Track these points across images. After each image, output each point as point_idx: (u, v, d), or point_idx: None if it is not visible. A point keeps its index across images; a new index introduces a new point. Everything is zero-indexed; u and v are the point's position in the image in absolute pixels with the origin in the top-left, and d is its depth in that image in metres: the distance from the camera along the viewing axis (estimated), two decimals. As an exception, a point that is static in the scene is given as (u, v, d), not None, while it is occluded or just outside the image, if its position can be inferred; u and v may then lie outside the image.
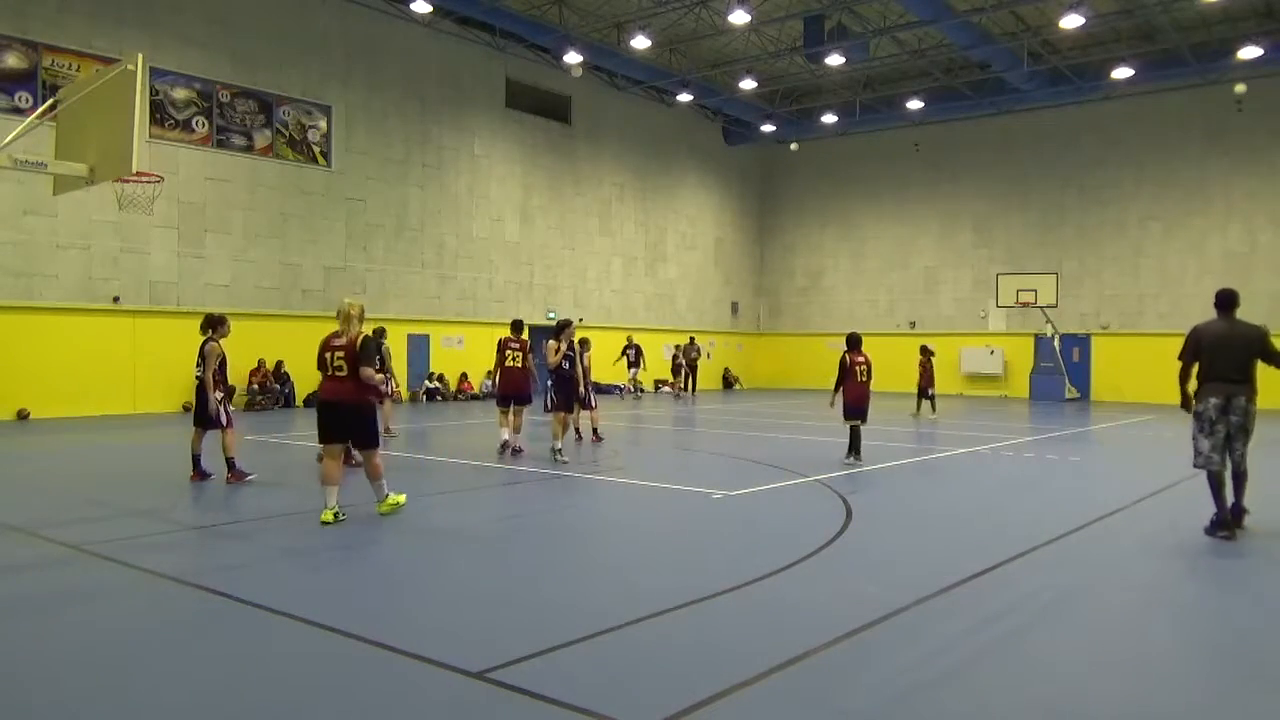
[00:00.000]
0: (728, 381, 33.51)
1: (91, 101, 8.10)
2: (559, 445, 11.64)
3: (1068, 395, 27.09)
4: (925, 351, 20.69)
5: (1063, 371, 27.40)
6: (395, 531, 7.55)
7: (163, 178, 11.39)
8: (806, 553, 6.63)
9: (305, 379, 19.79)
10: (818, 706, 3.91)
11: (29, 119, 8.79)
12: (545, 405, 12.07)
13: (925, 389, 20.32)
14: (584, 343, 14.63)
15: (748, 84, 26.50)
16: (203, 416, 9.71)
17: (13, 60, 17.20)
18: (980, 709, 3.92)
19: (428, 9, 22.23)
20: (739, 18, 21.74)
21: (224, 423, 9.62)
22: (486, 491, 9.91)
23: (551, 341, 12.04)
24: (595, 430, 14.37)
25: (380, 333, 12.67)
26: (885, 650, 4.62)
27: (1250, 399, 7.34)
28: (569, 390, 11.93)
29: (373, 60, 22.92)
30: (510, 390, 12.64)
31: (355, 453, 11.08)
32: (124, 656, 4.51)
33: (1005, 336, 29.35)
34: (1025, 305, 27.26)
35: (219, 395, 9.60)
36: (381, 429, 14.52)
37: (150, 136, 18.39)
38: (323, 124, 21.98)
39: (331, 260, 22.11)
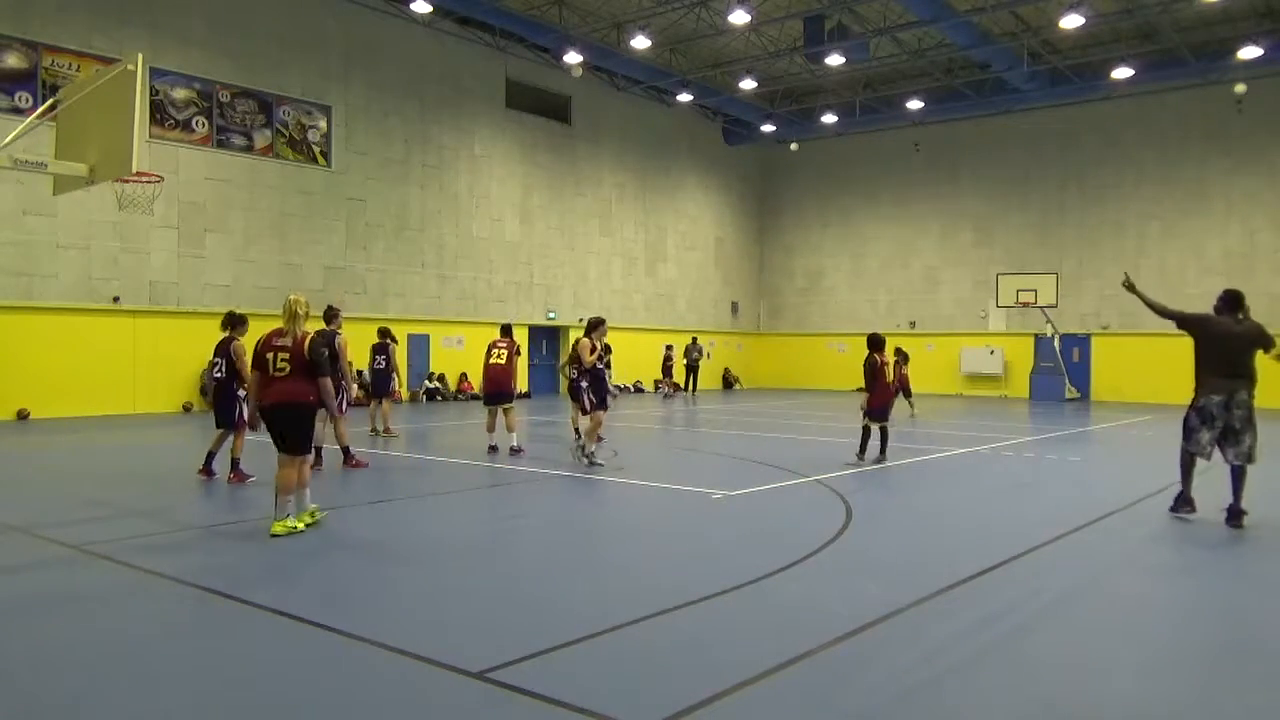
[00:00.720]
0: (728, 381, 33.51)
1: (91, 101, 8.10)
2: (594, 449, 11.16)
3: (1068, 395, 27.09)
4: (901, 354, 20.63)
5: (1063, 371, 27.40)
6: (395, 532, 7.56)
7: (163, 178, 11.38)
8: (806, 553, 6.63)
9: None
10: (818, 706, 3.91)
11: (29, 119, 8.80)
12: (584, 406, 11.34)
13: (906, 391, 20.32)
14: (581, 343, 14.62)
15: (748, 84, 26.50)
16: (227, 418, 9.61)
17: (13, 60, 17.20)
18: (981, 709, 3.92)
19: (428, 9, 22.23)
20: (739, 18, 21.74)
21: (240, 423, 9.48)
22: (486, 491, 9.91)
23: (585, 340, 11.49)
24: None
25: (325, 332, 10.87)
26: (885, 650, 4.62)
27: (1250, 392, 7.61)
28: (603, 389, 11.44)
29: (373, 60, 22.93)
30: (491, 387, 12.62)
31: (354, 455, 11.12)
32: (124, 657, 4.51)
33: (1005, 336, 29.37)
34: (1025, 305, 27.27)
35: (242, 394, 9.39)
36: (382, 429, 14.69)
37: (150, 136, 18.39)
38: (323, 124, 21.98)
39: (331, 260, 22.11)
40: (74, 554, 6.45)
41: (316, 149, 21.88)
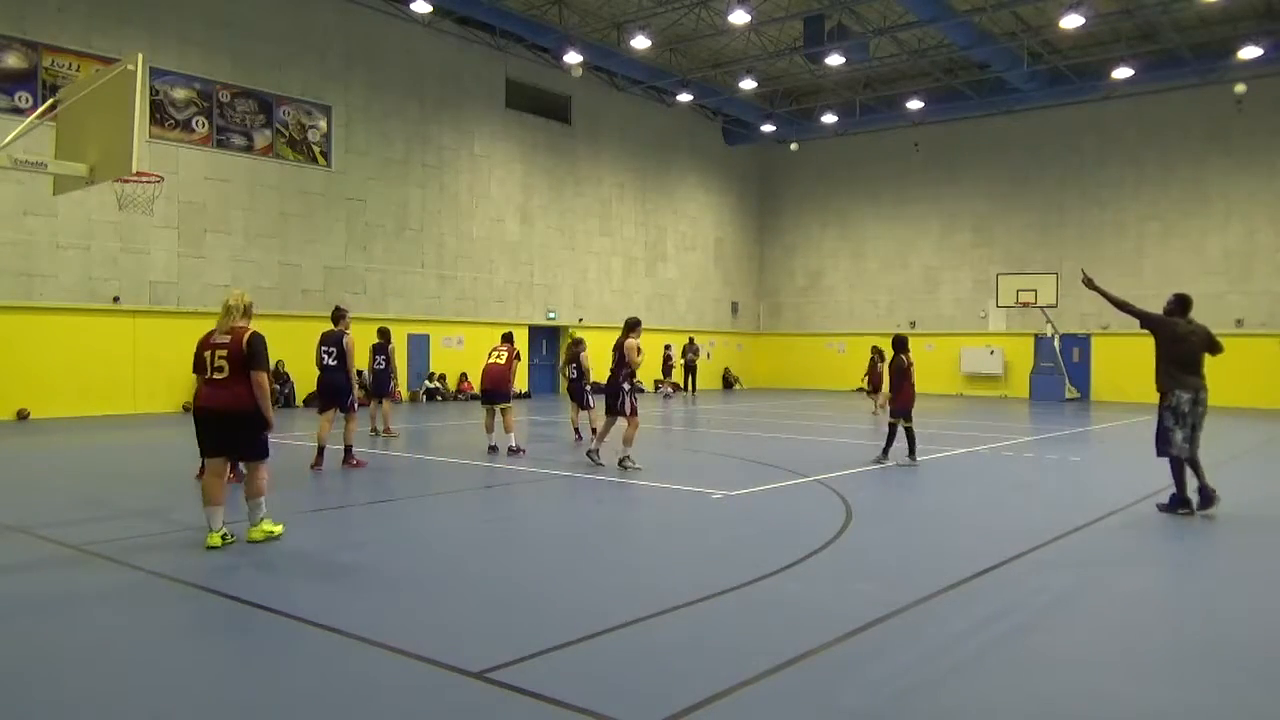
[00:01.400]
0: (728, 381, 33.51)
1: (91, 101, 8.10)
2: (630, 452, 10.86)
3: (1068, 395, 27.09)
4: (877, 353, 20.69)
5: (1063, 371, 27.40)
6: (395, 532, 7.55)
7: (162, 178, 11.36)
8: (806, 553, 6.63)
9: (305, 379, 19.76)
10: (818, 706, 3.91)
11: (29, 119, 8.80)
12: (625, 411, 10.97)
13: (877, 387, 20.42)
14: (579, 342, 14.64)
15: (748, 84, 26.48)
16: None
17: (13, 60, 17.19)
18: (981, 708, 3.93)
19: (428, 9, 22.23)
20: (739, 18, 21.74)
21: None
22: (486, 491, 9.91)
23: (632, 340, 11.08)
24: (595, 430, 14.35)
25: (333, 332, 11.02)
26: (885, 650, 4.62)
27: (1206, 390, 8.28)
28: (632, 394, 11.18)
29: (373, 60, 22.92)
30: (488, 384, 12.71)
31: (354, 454, 11.13)
32: (124, 657, 4.51)
33: (1005, 336, 29.37)
34: (1025, 305, 27.27)
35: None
36: (382, 429, 14.69)
37: (150, 136, 18.39)
38: (323, 124, 21.98)
39: (331, 260, 22.11)
40: (74, 554, 6.45)
41: (316, 149, 21.88)
